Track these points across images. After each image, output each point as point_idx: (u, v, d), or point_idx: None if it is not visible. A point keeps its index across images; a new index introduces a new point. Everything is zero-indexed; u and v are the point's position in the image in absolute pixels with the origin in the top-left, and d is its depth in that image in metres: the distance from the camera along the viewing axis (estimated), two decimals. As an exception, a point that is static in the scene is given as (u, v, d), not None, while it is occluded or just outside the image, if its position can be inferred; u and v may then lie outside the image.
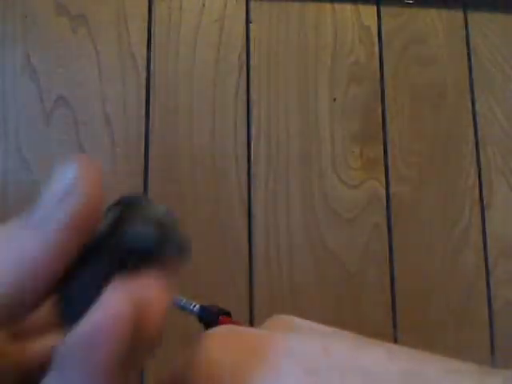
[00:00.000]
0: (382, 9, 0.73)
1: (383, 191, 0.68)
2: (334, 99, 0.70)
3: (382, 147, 0.70)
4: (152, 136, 0.65)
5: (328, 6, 0.72)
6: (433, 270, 0.67)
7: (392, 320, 0.65)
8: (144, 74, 0.66)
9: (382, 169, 0.69)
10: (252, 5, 0.70)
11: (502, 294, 0.68)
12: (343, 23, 0.72)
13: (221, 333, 0.19)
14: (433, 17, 0.74)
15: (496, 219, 0.70)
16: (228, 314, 0.31)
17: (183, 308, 0.32)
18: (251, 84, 0.68)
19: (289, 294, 0.64)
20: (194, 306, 0.31)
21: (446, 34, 0.74)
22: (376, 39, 0.72)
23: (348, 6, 0.72)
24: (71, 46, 0.65)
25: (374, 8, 0.73)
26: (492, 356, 0.66)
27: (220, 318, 0.30)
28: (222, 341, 0.19)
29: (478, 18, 0.75)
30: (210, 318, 0.31)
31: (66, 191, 0.17)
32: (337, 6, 0.72)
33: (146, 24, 0.67)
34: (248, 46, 0.69)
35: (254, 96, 0.68)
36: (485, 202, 0.70)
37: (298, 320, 0.21)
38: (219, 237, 0.64)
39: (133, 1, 0.67)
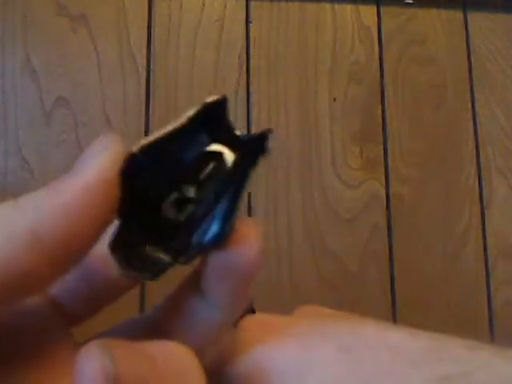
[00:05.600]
0: (382, 9, 0.73)
1: (383, 191, 0.68)
2: (334, 99, 0.70)
3: (382, 147, 0.70)
4: (152, 136, 0.65)
5: (328, 6, 0.72)
6: (433, 270, 0.67)
7: (392, 320, 0.65)
8: (144, 74, 0.66)
9: (382, 169, 0.69)
10: (252, 5, 0.70)
11: (502, 293, 0.68)
12: (343, 23, 0.72)
13: (257, 319, 0.21)
14: (433, 17, 0.74)
15: (496, 219, 0.70)
16: (253, 312, 0.31)
17: None
18: (251, 84, 0.68)
19: (289, 293, 0.64)
20: None
21: (446, 34, 0.74)
22: (376, 39, 0.72)
23: (348, 6, 0.72)
24: (71, 45, 0.65)
25: (374, 8, 0.73)
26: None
27: (246, 316, 0.31)
28: (258, 326, 0.20)
29: (477, 18, 0.75)
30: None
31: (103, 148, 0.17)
32: (337, 6, 0.72)
33: (146, 24, 0.67)
34: (248, 46, 0.69)
35: (253, 96, 0.68)
36: (485, 201, 0.70)
37: (323, 308, 0.22)
38: (219, 237, 0.64)
39: (133, 1, 0.67)
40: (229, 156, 0.18)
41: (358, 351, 0.17)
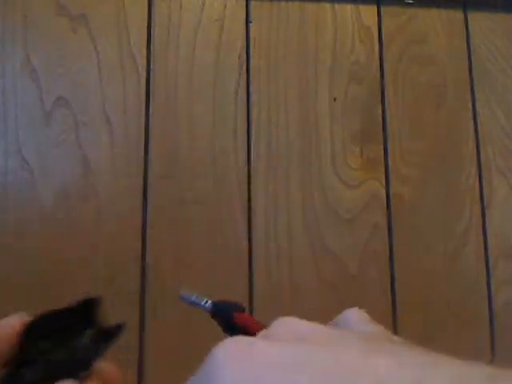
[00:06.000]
0: (382, 9, 0.73)
1: (383, 191, 0.68)
2: (334, 99, 0.70)
3: (382, 147, 0.70)
4: (152, 136, 0.65)
5: (328, 5, 0.72)
6: (433, 270, 0.67)
7: (392, 320, 0.65)
8: (144, 74, 0.66)
9: (382, 169, 0.69)
10: (252, 5, 0.70)
11: (502, 293, 0.68)
12: (343, 23, 0.72)
13: (233, 352, 0.19)
14: (433, 17, 0.74)
15: (496, 219, 0.70)
16: (242, 310, 0.30)
17: (194, 304, 0.31)
18: (251, 84, 0.68)
19: (289, 294, 0.64)
20: (206, 301, 0.30)
21: (446, 34, 0.74)
22: (376, 39, 0.72)
23: (348, 6, 0.72)
24: (71, 45, 0.65)
25: (374, 8, 0.73)
26: (492, 356, 0.66)
27: (235, 314, 0.29)
28: (236, 363, 0.18)
29: (478, 18, 0.75)
30: (224, 314, 0.29)
31: None
32: (337, 6, 0.72)
33: (146, 24, 0.67)
34: (248, 46, 0.69)
35: (253, 96, 0.68)
36: (485, 202, 0.70)
37: (304, 325, 0.20)
38: (219, 237, 0.64)
39: (133, 1, 0.67)
40: (89, 340, 0.25)
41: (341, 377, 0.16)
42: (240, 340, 0.19)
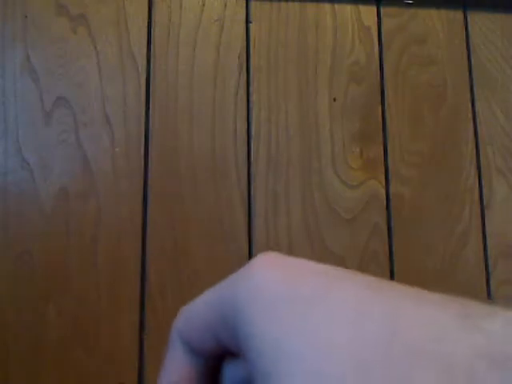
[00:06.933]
0: (382, 9, 0.73)
1: (383, 191, 0.68)
2: (334, 99, 0.70)
3: (382, 147, 0.70)
4: (152, 136, 0.65)
5: (328, 6, 0.72)
6: (433, 270, 0.67)
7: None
8: (144, 74, 0.66)
9: (382, 169, 0.69)
10: (252, 5, 0.70)
11: (502, 294, 0.68)
12: (343, 23, 0.72)
13: (270, 258, 0.20)
14: (433, 17, 0.74)
15: (496, 219, 0.70)
16: None
17: None
18: (251, 84, 0.68)
19: (289, 294, 0.64)
20: None
21: (446, 34, 0.74)
22: (376, 39, 0.72)
23: (348, 6, 0.72)
24: (71, 45, 0.65)
25: (374, 8, 0.73)
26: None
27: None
28: (272, 265, 0.19)
29: (478, 18, 0.75)
30: None
31: None
32: (337, 6, 0.72)
33: (146, 24, 0.67)
34: (248, 46, 0.69)
35: (254, 96, 0.68)
36: (485, 202, 0.70)
37: None
38: (219, 237, 0.64)
39: (133, 1, 0.67)
40: None
41: (383, 288, 0.17)
42: (280, 254, 0.20)
